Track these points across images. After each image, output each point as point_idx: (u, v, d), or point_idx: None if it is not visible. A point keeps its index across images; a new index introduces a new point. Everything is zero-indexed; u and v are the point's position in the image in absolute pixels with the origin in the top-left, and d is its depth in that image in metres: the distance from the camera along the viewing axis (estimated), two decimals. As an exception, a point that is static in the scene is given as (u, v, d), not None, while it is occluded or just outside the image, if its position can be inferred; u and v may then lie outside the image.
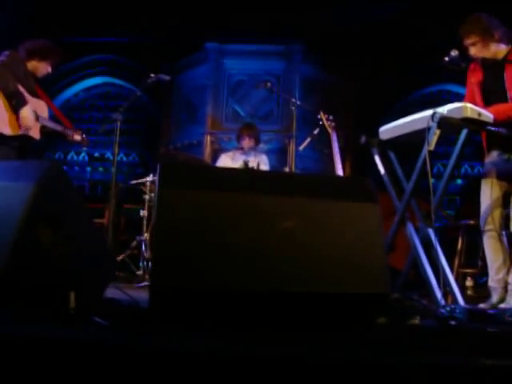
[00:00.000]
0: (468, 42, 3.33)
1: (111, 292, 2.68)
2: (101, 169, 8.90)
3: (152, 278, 2.11)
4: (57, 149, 8.92)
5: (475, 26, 3.32)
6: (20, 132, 3.96)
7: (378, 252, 2.20)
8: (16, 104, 3.92)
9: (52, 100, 4.43)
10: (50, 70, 4.31)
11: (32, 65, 4.20)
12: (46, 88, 4.42)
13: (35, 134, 4.13)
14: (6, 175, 2.23)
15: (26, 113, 3.95)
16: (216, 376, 1.45)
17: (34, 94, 4.20)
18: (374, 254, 2.18)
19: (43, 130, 4.22)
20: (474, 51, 3.33)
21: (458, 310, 2.54)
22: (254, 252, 2.06)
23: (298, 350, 1.57)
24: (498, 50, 3.31)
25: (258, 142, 5.66)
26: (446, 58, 3.29)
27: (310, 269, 2.08)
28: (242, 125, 5.81)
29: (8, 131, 3.91)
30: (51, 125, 4.38)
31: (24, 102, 3.95)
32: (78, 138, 4.54)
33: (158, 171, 2.16)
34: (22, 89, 4.02)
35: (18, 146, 4.07)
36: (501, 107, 3.11)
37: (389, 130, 3.33)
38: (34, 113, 4.07)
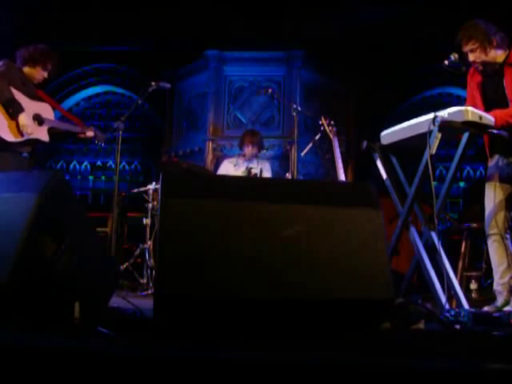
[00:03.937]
0: (467, 47, 3.33)
1: (115, 301, 2.68)
2: (103, 178, 8.92)
3: (156, 287, 2.11)
4: (59, 158, 8.95)
5: (474, 32, 3.31)
6: (24, 138, 3.96)
7: (382, 257, 2.20)
8: (13, 112, 3.91)
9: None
10: (45, 75, 4.23)
11: (27, 71, 4.18)
12: (47, 98, 4.40)
13: (43, 136, 4.10)
14: (8, 186, 2.24)
15: (24, 120, 3.93)
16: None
17: (36, 98, 4.18)
18: (377, 259, 2.18)
19: (52, 131, 4.16)
20: (473, 57, 3.32)
21: (462, 314, 2.53)
22: (257, 259, 2.06)
23: (303, 356, 1.57)
24: (497, 55, 3.32)
25: (260, 148, 5.54)
26: (446, 62, 3.29)
27: (314, 275, 2.08)
28: (245, 132, 5.71)
29: (11, 138, 3.91)
30: (60, 125, 4.32)
31: (20, 109, 3.93)
32: (90, 133, 4.41)
33: (160, 180, 2.17)
34: (20, 95, 4.01)
35: (30, 151, 4.09)
36: (499, 113, 3.10)
37: (390, 134, 3.33)
38: (39, 116, 4.06)
